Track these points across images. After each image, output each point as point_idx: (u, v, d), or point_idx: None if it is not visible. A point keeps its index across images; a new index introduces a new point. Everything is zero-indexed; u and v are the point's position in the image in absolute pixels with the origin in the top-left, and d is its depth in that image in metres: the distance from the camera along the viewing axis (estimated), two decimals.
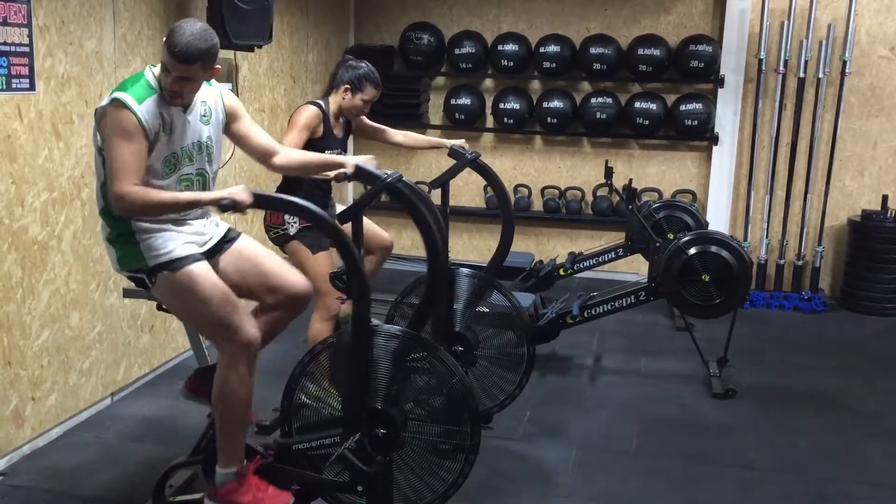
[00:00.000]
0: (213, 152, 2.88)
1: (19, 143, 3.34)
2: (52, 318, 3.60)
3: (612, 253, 5.62)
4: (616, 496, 3.35)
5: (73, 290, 3.70)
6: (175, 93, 2.64)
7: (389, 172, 2.81)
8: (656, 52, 6.32)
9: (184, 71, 2.57)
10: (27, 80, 3.36)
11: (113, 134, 2.54)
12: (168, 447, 3.54)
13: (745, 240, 6.39)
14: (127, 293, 2.94)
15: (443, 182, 3.75)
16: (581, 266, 5.65)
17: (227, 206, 2.48)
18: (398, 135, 4.17)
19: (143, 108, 2.56)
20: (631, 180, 5.27)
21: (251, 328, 2.72)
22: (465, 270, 3.78)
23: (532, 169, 6.91)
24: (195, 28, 2.58)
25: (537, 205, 6.88)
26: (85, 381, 3.84)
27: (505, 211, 4.19)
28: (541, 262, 5.96)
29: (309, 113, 3.72)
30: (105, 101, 2.61)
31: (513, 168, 6.93)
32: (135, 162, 2.53)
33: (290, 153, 3.07)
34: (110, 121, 2.55)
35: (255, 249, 2.95)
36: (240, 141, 2.97)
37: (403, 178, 2.83)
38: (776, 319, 5.98)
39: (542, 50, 6.50)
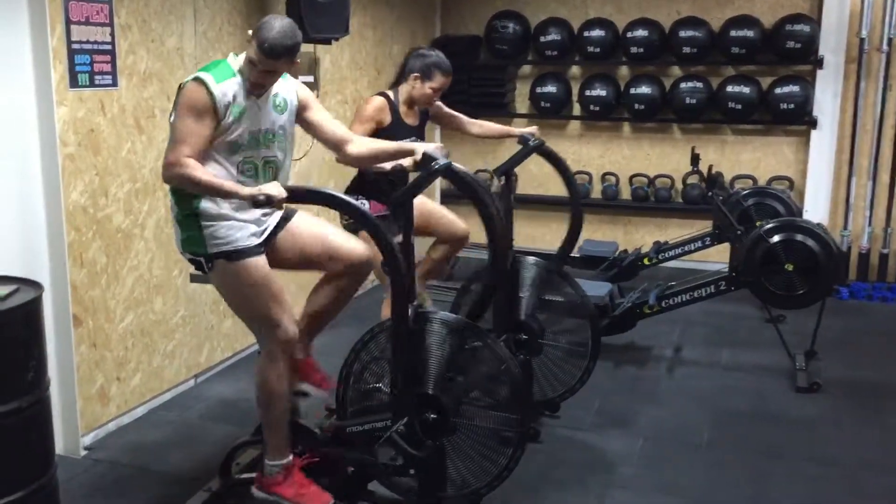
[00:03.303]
0: (285, 142, 2.95)
1: (102, 137, 3.53)
2: (136, 302, 3.79)
3: (699, 242, 5.47)
4: (680, 489, 3.27)
5: (156, 276, 3.89)
6: (258, 84, 2.78)
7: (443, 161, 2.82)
8: (750, 34, 6.09)
9: (270, 65, 2.71)
10: (110, 77, 3.55)
11: (184, 108, 2.67)
12: (244, 427, 3.64)
13: (846, 228, 6.10)
14: (193, 278, 3.07)
15: (507, 170, 3.73)
16: (666, 255, 5.53)
17: (262, 202, 2.58)
18: (472, 124, 4.15)
19: (221, 87, 2.68)
20: (711, 166, 5.10)
21: (292, 326, 2.82)
22: (530, 259, 3.75)
23: (620, 157, 6.79)
24: (283, 25, 2.71)
25: (625, 193, 6.76)
26: (169, 363, 4.04)
27: (573, 198, 4.10)
28: (625, 251, 5.87)
29: (374, 104, 3.74)
30: (188, 79, 2.73)
31: (600, 156, 6.83)
32: (196, 138, 2.65)
33: (364, 142, 3.14)
34: (186, 96, 2.68)
35: (311, 221, 3.02)
36: (313, 129, 3.05)
37: (452, 165, 2.84)
38: (878, 312, 5.68)
39: (629, 35, 6.38)
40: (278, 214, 3.00)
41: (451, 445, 2.82)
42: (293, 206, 2.90)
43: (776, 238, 4.20)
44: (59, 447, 3.44)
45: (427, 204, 3.84)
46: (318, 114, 3.04)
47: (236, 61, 2.79)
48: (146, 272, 3.84)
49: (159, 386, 3.99)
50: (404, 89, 3.83)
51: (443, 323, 2.80)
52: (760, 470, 3.42)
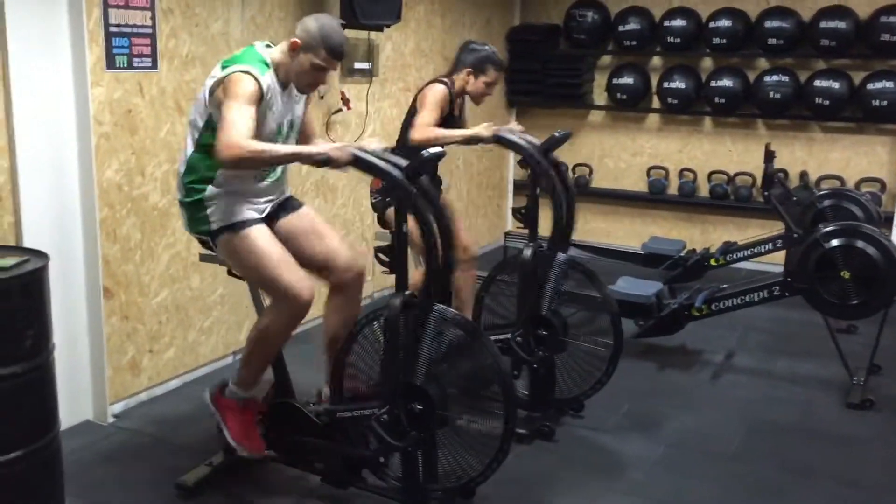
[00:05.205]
0: (298, 129, 3.03)
1: (140, 118, 3.66)
2: (172, 278, 3.92)
3: (770, 244, 5.19)
4: (686, 500, 3.12)
5: (194, 254, 3.98)
6: (317, 84, 2.89)
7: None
8: (842, 25, 5.74)
9: (334, 66, 2.85)
10: (149, 59, 3.66)
11: (234, 97, 2.67)
12: None
13: None
14: (203, 257, 3.14)
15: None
16: (734, 257, 5.29)
17: (323, 162, 2.64)
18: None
19: (264, 80, 2.75)
20: (768, 165, 4.83)
21: (302, 286, 2.79)
22: (561, 255, 3.64)
23: (699, 152, 6.53)
24: (338, 25, 2.84)
25: (703, 190, 6.50)
26: (205, 339, 4.16)
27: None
28: (693, 250, 5.63)
29: (440, 92, 3.71)
30: (222, 74, 2.75)
31: (678, 151, 6.59)
32: (248, 122, 2.67)
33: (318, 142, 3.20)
34: (234, 86, 2.69)
35: (312, 222, 3.05)
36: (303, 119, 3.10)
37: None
38: None
39: (712, 25, 6.12)
40: (285, 195, 3.06)
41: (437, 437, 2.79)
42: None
43: (834, 243, 3.94)
44: (89, 413, 3.62)
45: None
46: (310, 105, 3.14)
47: (267, 53, 2.85)
48: (183, 250, 3.96)
49: (194, 361, 4.11)
50: (457, 83, 3.79)
51: (435, 315, 2.76)
52: (781, 487, 3.22)
